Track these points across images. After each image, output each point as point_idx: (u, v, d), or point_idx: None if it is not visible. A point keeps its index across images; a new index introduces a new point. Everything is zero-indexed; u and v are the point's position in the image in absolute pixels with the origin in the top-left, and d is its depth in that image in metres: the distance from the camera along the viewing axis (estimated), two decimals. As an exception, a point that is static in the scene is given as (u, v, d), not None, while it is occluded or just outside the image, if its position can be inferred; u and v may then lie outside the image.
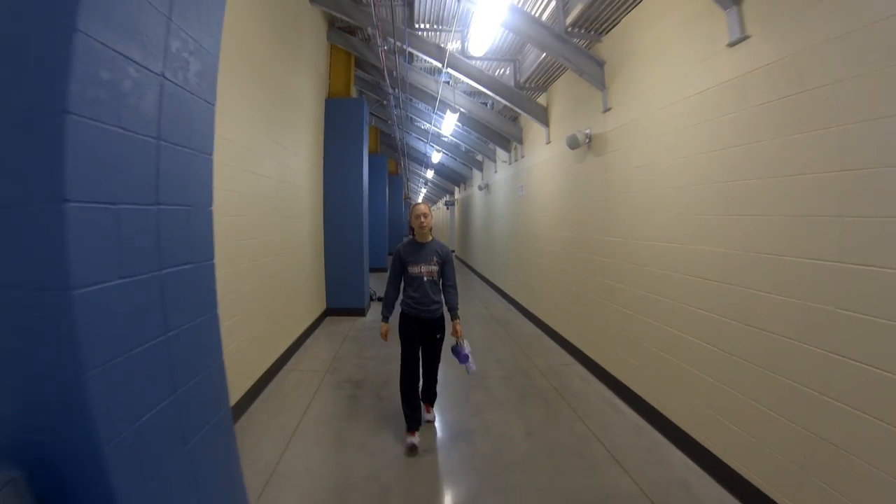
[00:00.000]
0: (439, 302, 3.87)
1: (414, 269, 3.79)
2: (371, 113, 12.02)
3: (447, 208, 25.57)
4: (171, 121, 1.64)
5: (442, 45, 6.44)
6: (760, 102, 2.83)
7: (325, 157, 8.26)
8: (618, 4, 4.38)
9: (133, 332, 1.47)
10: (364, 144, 8.58)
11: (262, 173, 4.94)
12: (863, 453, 2.21)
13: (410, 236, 3.97)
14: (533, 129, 7.63)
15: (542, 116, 6.77)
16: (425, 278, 3.78)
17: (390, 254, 15.44)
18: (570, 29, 4.80)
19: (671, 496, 3.08)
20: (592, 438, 3.86)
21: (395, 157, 18.72)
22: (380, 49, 6.25)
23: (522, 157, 8.47)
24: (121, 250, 1.40)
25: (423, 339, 3.86)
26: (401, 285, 3.90)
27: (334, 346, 6.56)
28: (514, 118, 8.57)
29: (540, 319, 7.51)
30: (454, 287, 3.92)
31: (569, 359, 5.97)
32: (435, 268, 3.81)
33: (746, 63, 2.95)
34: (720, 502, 3.00)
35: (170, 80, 1.64)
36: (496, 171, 10.92)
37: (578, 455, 3.61)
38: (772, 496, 2.73)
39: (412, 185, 28.01)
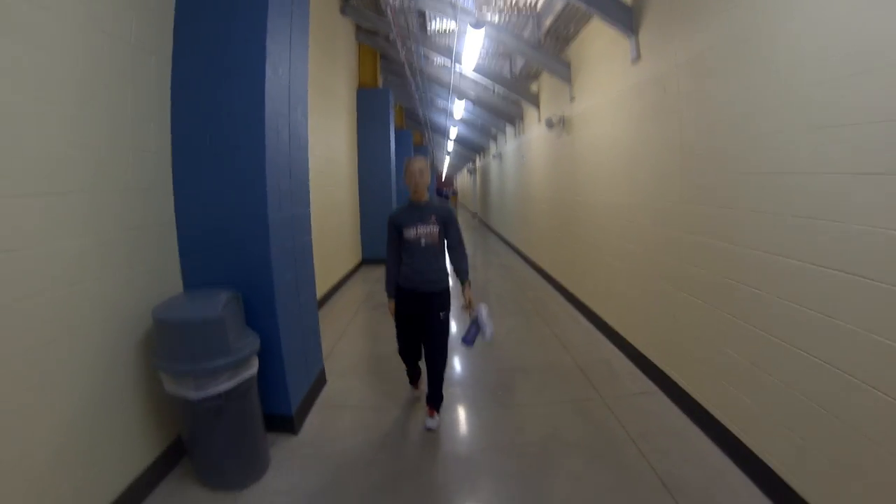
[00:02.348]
0: (442, 271, 3.43)
1: (409, 233, 3.31)
2: (396, 95, 13.59)
3: (470, 175, 27.08)
4: (292, 137, 3.38)
5: (451, 46, 7.94)
6: (647, 103, 4.21)
7: (358, 137, 10.04)
8: (576, 20, 5.77)
9: (284, 238, 3.27)
10: (390, 125, 10.33)
11: (314, 154, 6.63)
12: (695, 331, 3.78)
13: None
14: (529, 110, 9.10)
15: (534, 100, 8.25)
16: (423, 241, 3.31)
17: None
18: (544, 39, 6.27)
19: (595, 367, 4.67)
20: (552, 336, 5.55)
21: (420, 129, 20.30)
22: (400, 51, 7.77)
23: (523, 132, 9.99)
24: (280, 200, 3.17)
25: (423, 319, 3.43)
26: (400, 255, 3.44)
27: (369, 284, 8.45)
28: (516, 100, 10.04)
29: (536, 264, 9.23)
30: (460, 247, 3.46)
31: (551, 291, 7.68)
32: (434, 228, 3.33)
33: (640, 75, 4.33)
34: (626, 370, 4.54)
35: (291, 119, 3.36)
36: (506, 143, 12.45)
37: (538, 343, 5.31)
38: (650, 358, 4.30)
39: (437, 154, 29.46)
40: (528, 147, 9.55)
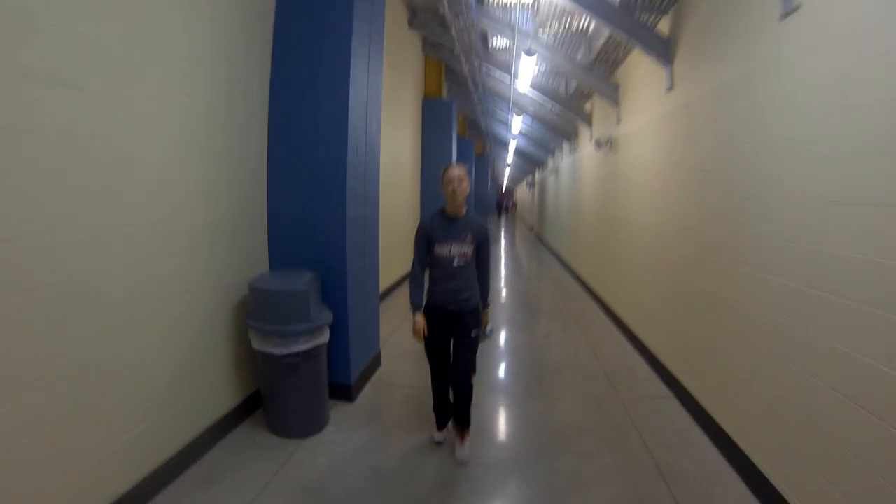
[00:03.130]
0: (473, 290, 3.23)
1: (442, 249, 3.13)
2: (458, 105, 14.28)
3: (529, 188, 27.31)
4: (368, 145, 4.08)
5: (510, 63, 8.47)
6: (678, 129, 4.54)
7: (422, 145, 10.80)
8: (624, 45, 6.04)
9: (357, 233, 3.95)
10: (453, 134, 11.01)
11: (382, 159, 7.37)
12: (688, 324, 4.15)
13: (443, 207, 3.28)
14: (582, 128, 9.52)
15: (587, 119, 8.67)
16: (456, 262, 3.12)
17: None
18: (595, 62, 6.69)
19: (619, 372, 5.07)
20: (585, 342, 5.99)
21: (481, 139, 20.95)
22: (463, 65, 8.34)
23: (578, 149, 10.39)
24: (356, 200, 3.87)
25: (452, 336, 3.28)
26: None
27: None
28: (571, 118, 10.42)
29: (580, 277, 9.61)
30: (488, 269, 3.34)
31: (591, 303, 8.09)
32: (469, 248, 3.14)
33: (673, 103, 4.65)
34: (646, 376, 4.91)
35: (368, 130, 4.05)
36: (562, 159, 12.84)
37: (571, 348, 5.76)
38: (667, 366, 4.62)
39: (497, 165, 29.97)
40: (580, 164, 9.95)
